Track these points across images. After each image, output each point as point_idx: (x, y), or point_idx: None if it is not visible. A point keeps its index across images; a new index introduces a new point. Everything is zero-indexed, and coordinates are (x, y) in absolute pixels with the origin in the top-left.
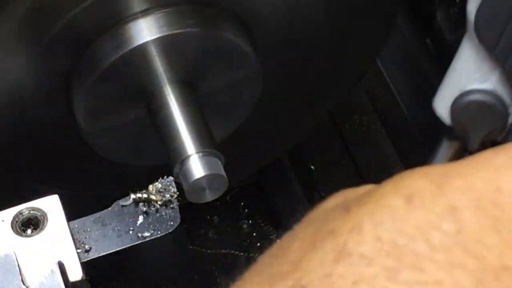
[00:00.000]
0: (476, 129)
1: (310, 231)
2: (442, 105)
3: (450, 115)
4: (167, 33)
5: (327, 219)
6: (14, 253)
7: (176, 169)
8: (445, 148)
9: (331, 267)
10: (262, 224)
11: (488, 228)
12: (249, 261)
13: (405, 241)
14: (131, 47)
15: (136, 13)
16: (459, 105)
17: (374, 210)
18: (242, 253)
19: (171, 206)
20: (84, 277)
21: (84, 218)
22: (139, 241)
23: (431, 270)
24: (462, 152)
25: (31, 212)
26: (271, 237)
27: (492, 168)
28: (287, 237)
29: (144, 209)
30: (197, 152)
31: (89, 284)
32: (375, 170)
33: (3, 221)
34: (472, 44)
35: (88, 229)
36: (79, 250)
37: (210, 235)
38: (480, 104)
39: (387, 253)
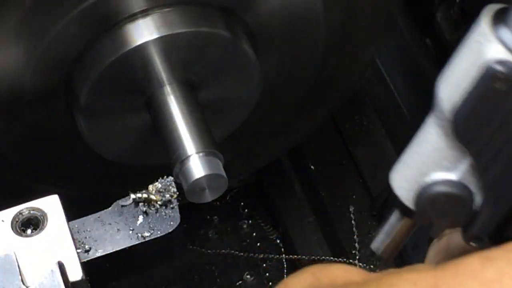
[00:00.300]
0: (441, 219)
1: None
2: (402, 186)
3: (413, 203)
4: (166, 33)
5: None
6: (14, 253)
7: (176, 169)
8: (397, 221)
9: None
10: (262, 224)
11: None
12: (249, 261)
13: None
14: (130, 47)
15: (136, 14)
16: (425, 196)
17: None
18: (242, 253)
19: (171, 206)
20: (84, 277)
21: (84, 218)
22: (139, 241)
23: None
24: (413, 227)
25: (31, 212)
26: (271, 237)
27: (483, 285)
28: None
29: (144, 209)
30: (197, 152)
31: (89, 284)
32: (375, 170)
33: (3, 221)
34: (439, 132)
35: (88, 229)
36: (79, 250)
37: (210, 235)
38: (448, 197)
39: None
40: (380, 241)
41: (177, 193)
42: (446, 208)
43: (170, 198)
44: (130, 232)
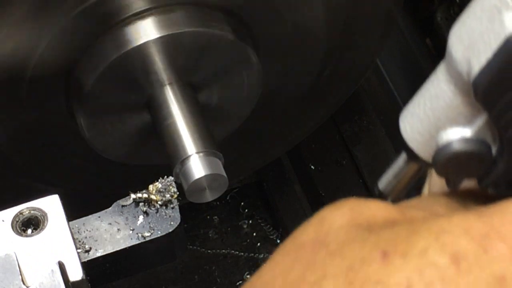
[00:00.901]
0: (459, 175)
1: (318, 259)
2: (415, 138)
3: (429, 158)
4: (167, 33)
5: (342, 251)
6: (14, 253)
7: (176, 169)
8: (404, 165)
9: None
10: (262, 224)
11: None
12: (249, 261)
13: None
14: (131, 47)
15: (136, 14)
16: (443, 155)
17: (421, 268)
18: (242, 253)
19: (171, 206)
20: (84, 277)
21: (84, 218)
22: (139, 241)
23: None
24: (421, 171)
25: (31, 212)
26: (271, 237)
27: None
28: (281, 266)
29: (144, 209)
30: (197, 152)
31: (89, 284)
32: (375, 170)
33: (3, 221)
34: (455, 91)
35: (88, 229)
36: (79, 250)
37: (210, 235)
38: (467, 154)
39: None
40: (387, 182)
41: (177, 193)
42: (465, 164)
43: (170, 198)
44: (130, 232)
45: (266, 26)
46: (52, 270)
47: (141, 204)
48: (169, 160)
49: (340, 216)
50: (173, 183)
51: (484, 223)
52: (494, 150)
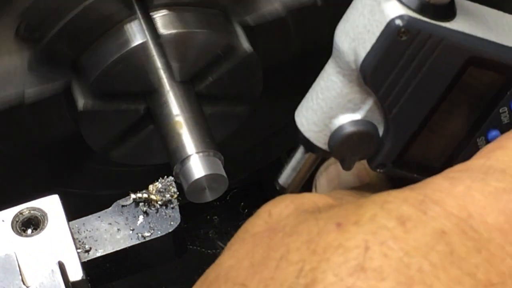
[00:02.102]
0: (353, 155)
1: (277, 240)
2: (311, 129)
3: (325, 144)
4: (167, 33)
5: (298, 230)
6: (14, 253)
7: (176, 169)
8: (302, 157)
9: (349, 281)
10: None
11: (472, 249)
12: None
13: (410, 260)
14: (131, 46)
15: (136, 13)
16: (337, 138)
17: (374, 231)
18: None
19: (171, 206)
20: (84, 277)
21: (84, 218)
22: (139, 241)
23: (437, 286)
24: (317, 161)
25: (31, 212)
26: None
27: (457, 197)
28: (249, 246)
29: (144, 209)
30: (197, 152)
31: (89, 284)
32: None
33: (3, 221)
34: (343, 80)
35: (88, 229)
36: (79, 250)
37: (210, 235)
38: (358, 135)
39: (397, 270)
40: (287, 176)
41: (177, 193)
42: (357, 144)
43: (170, 198)
44: (130, 232)
45: (266, 26)
46: (52, 270)
47: (141, 204)
48: (169, 160)
49: (285, 207)
50: (173, 183)
51: (418, 193)
52: (381, 131)
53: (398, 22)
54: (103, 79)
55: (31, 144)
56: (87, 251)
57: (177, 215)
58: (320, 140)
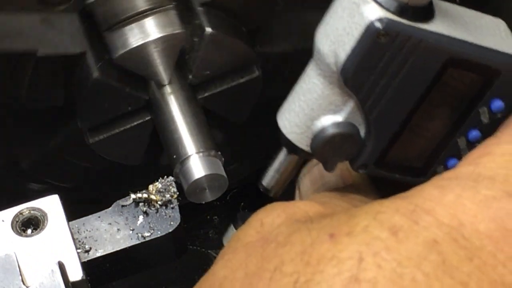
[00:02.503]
0: (335, 156)
1: (271, 251)
2: (293, 131)
3: (307, 146)
4: (167, 33)
5: (291, 240)
6: (14, 253)
7: (176, 169)
8: (284, 159)
9: None
10: None
11: (464, 258)
12: None
13: (403, 270)
14: (131, 47)
15: (136, 13)
16: (319, 139)
17: (367, 242)
18: None
19: (171, 206)
20: (84, 277)
21: (84, 218)
22: (139, 241)
23: None
24: (300, 162)
25: (31, 212)
26: None
27: (448, 206)
28: (238, 261)
29: (144, 209)
30: (197, 152)
31: (89, 284)
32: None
33: (3, 221)
34: (324, 82)
35: (88, 229)
36: (79, 250)
37: (210, 235)
38: (340, 136)
39: (390, 280)
40: (270, 178)
41: (177, 193)
42: (339, 146)
43: (170, 198)
44: (130, 232)
45: (266, 26)
46: (52, 270)
47: (141, 204)
48: (169, 160)
49: (277, 216)
50: (173, 183)
51: (409, 203)
52: (363, 133)
53: (377, 24)
54: (103, 80)
55: (29, 143)
56: (87, 251)
57: (177, 215)
58: (302, 141)
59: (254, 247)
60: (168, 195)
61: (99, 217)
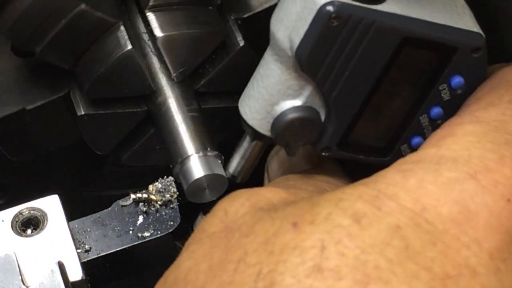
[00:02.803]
0: (296, 140)
1: (235, 241)
2: (254, 117)
3: (269, 131)
4: (167, 33)
5: (255, 230)
6: (14, 253)
7: (176, 169)
8: (249, 145)
9: (307, 282)
10: None
11: (427, 242)
12: None
13: (366, 257)
14: (124, 51)
15: (136, 13)
16: (279, 124)
17: (330, 230)
18: None
19: (171, 206)
20: (84, 277)
21: (84, 218)
22: (139, 241)
23: (394, 282)
24: (264, 147)
25: (31, 212)
26: None
27: (410, 190)
28: (204, 250)
29: (144, 209)
30: (197, 152)
31: (89, 284)
32: (375, 170)
33: (3, 221)
34: (282, 68)
35: (88, 229)
36: (79, 250)
37: None
38: (300, 120)
39: (354, 268)
40: (236, 165)
41: (177, 193)
42: (300, 130)
43: (170, 198)
44: (130, 232)
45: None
46: (52, 270)
47: (141, 204)
48: (169, 160)
49: (241, 205)
50: (173, 183)
51: (372, 189)
52: (323, 116)
53: (329, 8)
54: (98, 86)
55: (37, 150)
56: (87, 251)
57: (177, 215)
58: (263, 127)
59: (219, 238)
60: (168, 195)
61: (99, 217)
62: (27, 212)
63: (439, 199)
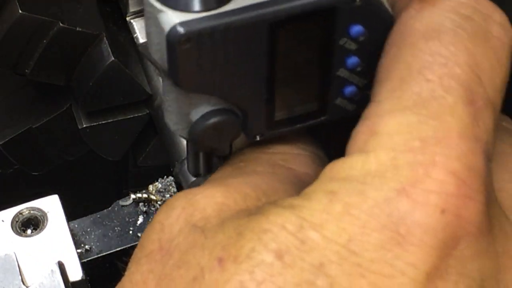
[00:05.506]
0: (222, 142)
1: (168, 270)
2: (178, 128)
3: (189, 138)
4: (144, 41)
5: (187, 260)
6: (14, 253)
7: (176, 169)
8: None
9: None
10: None
11: (355, 276)
12: None
13: None
14: (113, 58)
15: (135, 13)
16: (195, 134)
17: (251, 269)
18: None
19: None
20: (84, 277)
21: (84, 218)
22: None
23: None
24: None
25: (31, 212)
26: None
27: (336, 218)
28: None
29: (144, 209)
30: None
31: (89, 284)
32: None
33: (3, 221)
34: (173, 87)
35: (88, 229)
36: (79, 250)
37: None
38: (214, 125)
39: None
40: (194, 167)
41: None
42: (219, 132)
43: (170, 198)
44: (130, 232)
45: None
46: (52, 270)
47: (141, 204)
48: (169, 160)
49: (176, 219)
50: (173, 183)
51: (297, 216)
52: (239, 111)
53: (173, 35)
54: (91, 98)
55: (50, 163)
56: (87, 251)
57: None
58: (188, 135)
59: (155, 261)
60: (168, 195)
61: (99, 217)
62: (27, 212)
63: (365, 226)
